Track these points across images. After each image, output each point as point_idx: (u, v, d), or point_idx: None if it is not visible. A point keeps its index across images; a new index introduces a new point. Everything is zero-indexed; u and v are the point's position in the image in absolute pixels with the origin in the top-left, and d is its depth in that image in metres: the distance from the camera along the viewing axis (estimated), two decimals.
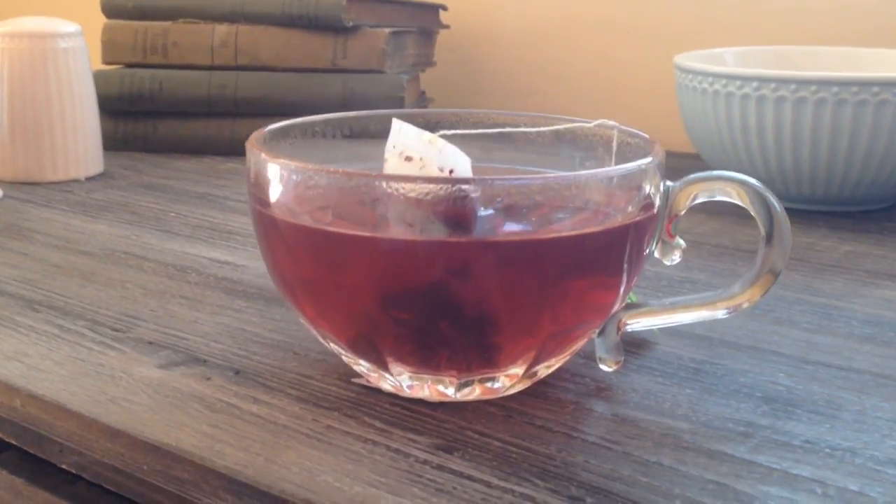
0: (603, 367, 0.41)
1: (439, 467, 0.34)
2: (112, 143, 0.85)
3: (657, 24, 0.91)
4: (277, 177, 0.36)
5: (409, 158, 0.38)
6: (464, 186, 0.34)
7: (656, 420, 0.37)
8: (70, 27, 0.74)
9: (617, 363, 0.40)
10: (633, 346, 0.44)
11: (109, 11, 0.90)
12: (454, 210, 0.34)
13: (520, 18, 0.99)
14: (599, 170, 0.36)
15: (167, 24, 0.87)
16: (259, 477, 0.33)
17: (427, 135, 0.39)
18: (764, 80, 0.62)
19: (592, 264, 0.36)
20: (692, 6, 0.89)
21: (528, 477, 0.33)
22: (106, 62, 0.88)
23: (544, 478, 0.33)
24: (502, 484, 0.33)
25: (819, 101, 0.61)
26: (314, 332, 0.40)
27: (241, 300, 0.50)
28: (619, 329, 0.40)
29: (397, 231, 0.35)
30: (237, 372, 0.41)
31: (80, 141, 0.75)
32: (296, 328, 0.46)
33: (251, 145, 0.38)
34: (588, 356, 0.42)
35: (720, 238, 0.61)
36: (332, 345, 0.39)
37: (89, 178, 0.76)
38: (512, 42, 1.00)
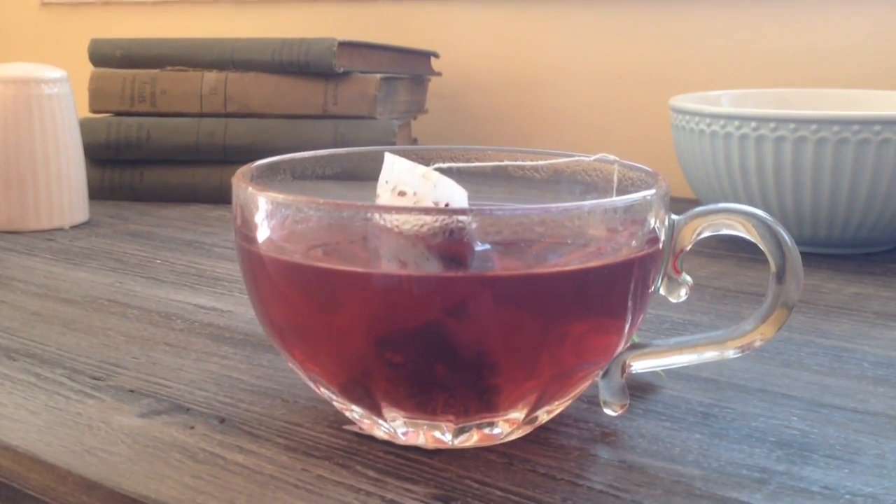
0: (607, 410, 0.39)
1: None
2: (98, 192, 0.84)
3: (650, 68, 0.90)
4: (265, 210, 0.35)
5: (402, 193, 0.37)
6: (460, 217, 0.32)
7: (666, 466, 0.35)
8: (55, 73, 0.72)
9: (622, 407, 0.38)
10: (638, 390, 0.42)
11: (97, 60, 0.89)
12: (450, 243, 0.32)
13: (512, 65, 0.98)
14: (602, 200, 0.35)
15: (155, 71, 0.86)
16: None
17: (421, 168, 0.37)
18: (762, 120, 0.61)
19: (595, 301, 0.34)
20: (685, 50, 0.89)
21: None
22: (93, 111, 0.87)
23: None
24: None
25: (819, 141, 0.60)
26: (304, 376, 0.38)
27: (227, 346, 0.48)
28: (623, 371, 0.38)
29: (390, 266, 0.33)
30: (222, 420, 0.39)
31: (64, 189, 0.73)
32: (284, 374, 0.44)
33: (237, 179, 0.37)
34: (591, 401, 0.40)
35: (722, 281, 0.60)
36: (322, 390, 0.37)
37: (74, 227, 0.74)
38: (505, 89, 0.99)
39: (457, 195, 0.36)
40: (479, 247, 0.33)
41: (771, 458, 0.36)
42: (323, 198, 0.33)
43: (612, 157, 0.41)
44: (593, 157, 0.41)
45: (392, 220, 0.32)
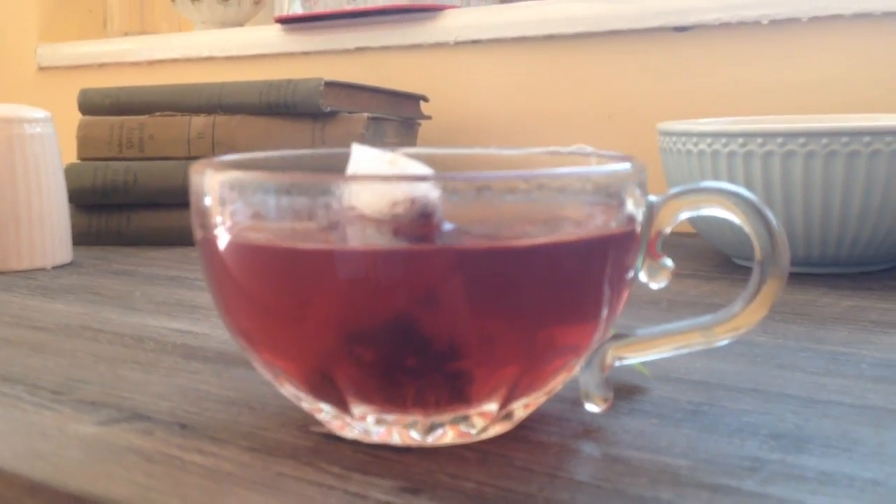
0: (589, 406, 0.36)
1: None
2: (84, 238, 0.82)
3: (637, 106, 0.90)
4: (222, 191, 0.33)
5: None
6: (422, 184, 0.30)
7: (651, 458, 0.33)
8: (38, 113, 0.72)
9: (605, 401, 0.36)
10: (624, 391, 0.40)
11: (86, 109, 0.89)
12: (413, 214, 0.31)
13: (502, 109, 0.97)
14: (574, 168, 0.33)
15: (143, 117, 0.86)
16: None
17: (388, 154, 0.36)
18: (750, 136, 0.60)
19: (569, 278, 0.33)
20: (672, 86, 0.88)
21: None
22: (81, 158, 0.86)
23: None
24: None
25: (808, 154, 0.58)
26: (270, 376, 0.36)
27: (198, 363, 0.46)
28: (605, 363, 0.36)
29: (352, 243, 0.31)
30: (184, 426, 0.37)
31: (46, 230, 0.72)
32: (255, 386, 0.42)
33: (194, 169, 0.35)
34: (575, 401, 0.38)
35: (714, 298, 0.58)
36: (289, 387, 0.35)
37: (56, 268, 0.72)
38: (494, 133, 0.98)
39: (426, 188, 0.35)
40: (445, 224, 0.32)
41: (763, 448, 0.34)
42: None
43: (588, 148, 0.40)
44: (569, 149, 0.40)
45: (353, 191, 0.31)
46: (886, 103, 0.77)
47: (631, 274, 0.35)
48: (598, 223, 0.33)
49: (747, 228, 0.34)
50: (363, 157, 0.36)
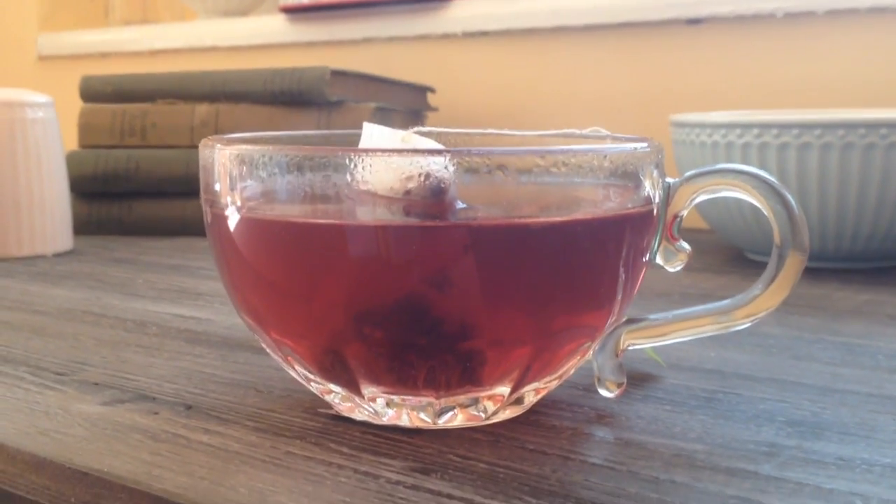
0: (603, 391, 0.36)
1: (414, 487, 0.29)
2: (85, 227, 0.82)
3: (647, 97, 0.89)
4: (232, 166, 0.32)
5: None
6: (436, 158, 0.30)
7: (666, 443, 0.32)
8: (40, 98, 0.71)
9: (619, 386, 0.36)
10: (637, 379, 0.39)
11: (88, 97, 0.88)
12: (427, 189, 0.30)
13: (510, 101, 0.97)
14: (591, 145, 0.32)
15: (146, 105, 0.85)
16: (200, 499, 0.28)
17: (400, 132, 0.35)
18: (765, 127, 0.59)
19: (585, 258, 0.32)
20: (687, 80, 0.87)
21: (518, 495, 0.28)
22: (82, 146, 0.85)
23: (537, 495, 0.28)
24: (487, 501, 0.28)
25: (825, 146, 0.58)
26: (279, 358, 0.35)
27: (202, 347, 0.45)
28: (619, 347, 0.35)
29: (366, 218, 0.31)
30: (189, 407, 0.36)
31: (47, 216, 0.71)
32: (260, 369, 0.41)
33: (204, 143, 0.34)
34: (587, 388, 0.38)
35: (726, 291, 0.57)
36: (299, 368, 0.34)
37: (57, 255, 0.72)
38: (502, 125, 0.97)
39: (438, 163, 0.34)
40: (459, 203, 0.31)
41: (780, 434, 0.33)
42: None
43: (604, 131, 0.39)
44: (586, 131, 0.39)
45: (366, 165, 0.30)
46: None
47: (647, 256, 0.35)
48: (614, 204, 0.33)
49: (766, 210, 0.34)
50: (375, 135, 0.36)
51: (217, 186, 0.33)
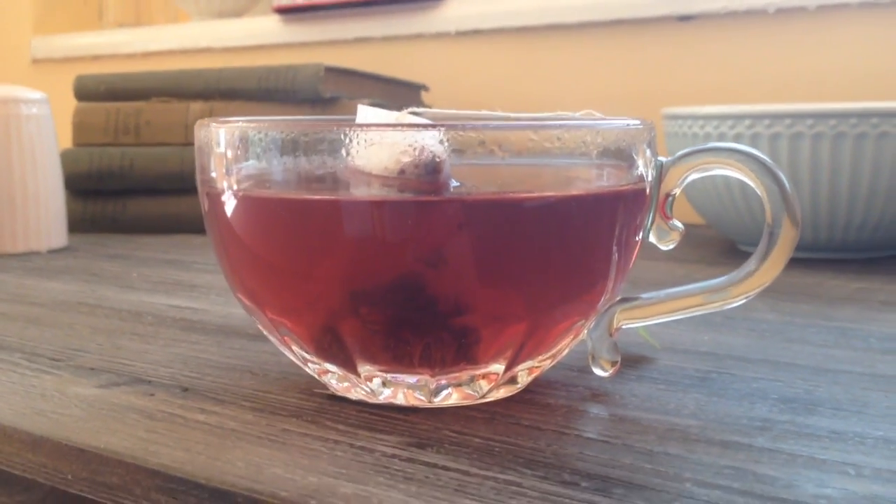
0: (597, 370, 0.36)
1: (409, 460, 0.29)
2: (79, 225, 0.82)
3: (642, 96, 0.89)
4: (227, 144, 0.32)
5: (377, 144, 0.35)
6: (431, 132, 0.30)
7: (660, 418, 0.33)
8: (35, 94, 0.71)
9: (613, 365, 0.36)
10: (631, 361, 0.39)
11: (82, 95, 0.88)
12: (421, 165, 0.30)
13: (503, 99, 0.97)
14: (584, 120, 0.33)
15: (140, 103, 0.85)
16: (197, 472, 0.28)
17: (395, 113, 0.35)
18: (757, 117, 0.59)
19: (578, 234, 0.32)
20: (678, 77, 0.88)
21: (514, 466, 0.28)
22: (77, 144, 0.86)
23: (532, 467, 0.28)
24: (483, 472, 0.28)
25: (816, 136, 0.58)
26: (276, 340, 0.35)
27: (198, 335, 0.45)
28: (613, 326, 0.36)
29: (360, 193, 0.31)
30: (185, 389, 0.36)
31: (42, 212, 0.71)
32: (256, 354, 0.41)
33: (199, 123, 0.35)
34: (581, 369, 0.38)
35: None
36: (295, 349, 0.34)
37: (51, 251, 0.72)
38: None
39: (431, 136, 0.34)
40: (453, 182, 0.31)
41: (773, 410, 0.33)
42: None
43: (597, 113, 0.39)
44: (579, 114, 0.39)
45: (361, 140, 0.30)
46: (894, 92, 0.76)
47: (640, 235, 0.35)
48: (607, 182, 0.33)
49: (757, 187, 0.34)
50: (370, 117, 0.36)
51: (212, 166, 0.33)
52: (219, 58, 1.14)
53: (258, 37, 1.12)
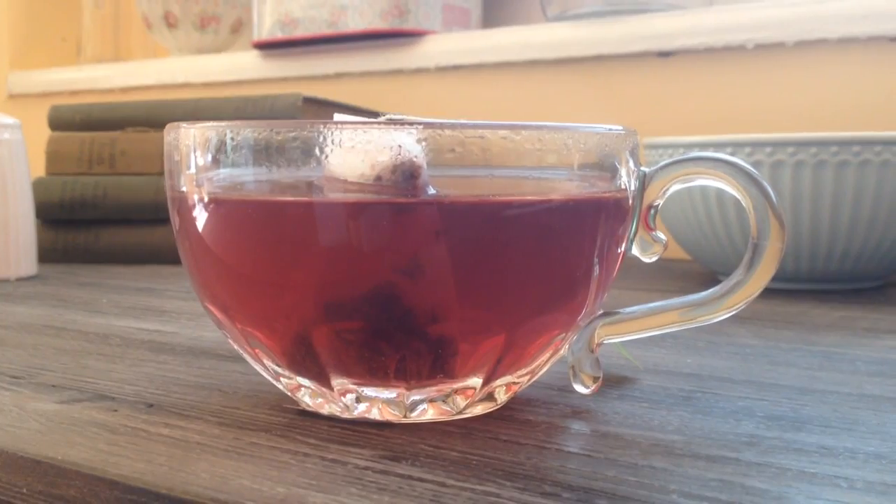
0: (578, 387, 0.35)
1: (383, 472, 0.28)
2: (51, 254, 0.80)
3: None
4: (196, 147, 0.31)
5: (353, 148, 0.34)
6: (408, 130, 0.29)
7: (644, 434, 0.31)
8: (7, 119, 0.70)
9: (594, 381, 0.35)
10: (612, 381, 0.38)
11: (56, 125, 0.87)
12: (397, 171, 0.29)
13: None
14: (568, 124, 0.32)
15: (115, 133, 0.84)
16: (159, 483, 0.27)
17: (371, 120, 0.34)
18: (739, 145, 0.59)
19: (558, 243, 0.31)
20: (658, 112, 0.87)
21: (492, 478, 0.27)
22: (50, 174, 0.84)
23: (511, 479, 0.27)
24: (459, 484, 0.26)
25: (797, 164, 0.58)
26: (247, 354, 0.34)
27: (166, 355, 0.44)
28: (594, 341, 0.35)
29: (334, 195, 0.30)
30: (150, 405, 0.35)
31: (11, 240, 0.69)
32: (225, 373, 0.40)
33: (168, 127, 0.34)
34: (560, 387, 0.37)
35: None
36: (267, 362, 0.33)
37: (20, 279, 0.70)
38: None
39: (409, 139, 0.33)
40: (430, 189, 0.30)
41: (760, 427, 0.32)
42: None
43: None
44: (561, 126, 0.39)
45: (336, 139, 0.29)
46: (871, 127, 0.76)
47: (622, 246, 0.34)
48: (588, 190, 0.32)
49: (741, 197, 0.33)
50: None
51: (181, 170, 0.32)
52: (198, 92, 1.14)
53: (237, 72, 1.11)
